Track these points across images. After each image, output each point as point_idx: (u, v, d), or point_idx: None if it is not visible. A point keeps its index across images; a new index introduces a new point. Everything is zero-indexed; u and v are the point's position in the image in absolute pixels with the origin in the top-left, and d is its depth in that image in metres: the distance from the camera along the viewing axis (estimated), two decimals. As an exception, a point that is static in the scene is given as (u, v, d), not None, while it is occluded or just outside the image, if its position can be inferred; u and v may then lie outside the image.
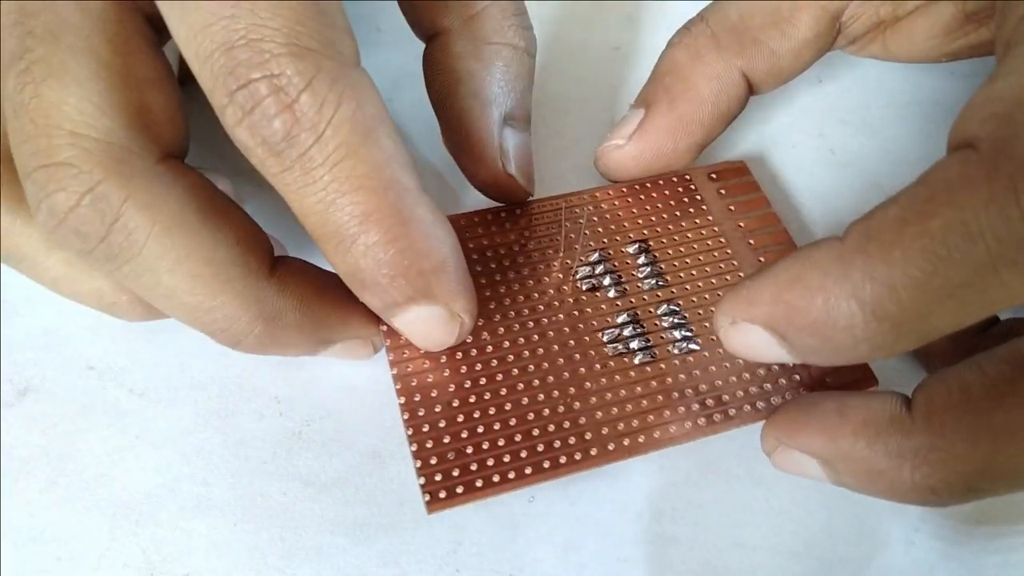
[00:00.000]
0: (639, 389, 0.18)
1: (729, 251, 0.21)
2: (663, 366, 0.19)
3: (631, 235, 0.21)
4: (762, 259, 0.21)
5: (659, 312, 0.19)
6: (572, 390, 0.18)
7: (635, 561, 0.17)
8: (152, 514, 0.17)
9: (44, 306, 0.19)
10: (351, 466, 0.18)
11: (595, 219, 0.21)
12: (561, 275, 0.20)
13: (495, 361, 0.18)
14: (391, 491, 0.18)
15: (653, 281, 0.20)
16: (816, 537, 0.18)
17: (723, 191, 0.22)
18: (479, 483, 0.17)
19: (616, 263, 0.20)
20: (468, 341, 0.18)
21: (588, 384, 0.18)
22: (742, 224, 0.21)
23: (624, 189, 0.22)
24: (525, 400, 0.18)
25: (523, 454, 0.17)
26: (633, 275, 0.20)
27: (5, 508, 0.17)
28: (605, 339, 0.19)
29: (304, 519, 0.17)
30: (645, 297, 0.20)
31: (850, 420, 0.15)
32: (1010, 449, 0.14)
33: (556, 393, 0.18)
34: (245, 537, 0.17)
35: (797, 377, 0.19)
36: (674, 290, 0.20)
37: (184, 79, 0.16)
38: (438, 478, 0.16)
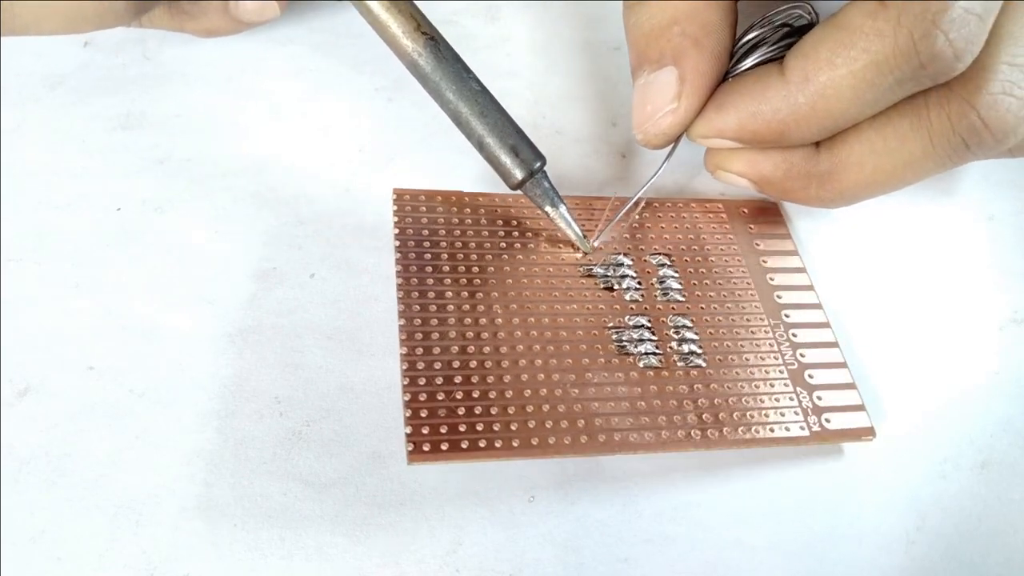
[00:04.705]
0: (639, 390, 0.18)
1: (750, 282, 0.21)
2: (666, 374, 0.19)
3: (656, 247, 0.21)
4: (779, 297, 0.21)
5: (671, 324, 0.20)
6: (573, 377, 0.18)
7: (635, 561, 0.17)
8: (152, 514, 0.17)
9: (44, 306, 0.19)
10: (351, 466, 0.18)
11: (622, 223, 0.21)
12: (580, 268, 0.20)
13: (502, 333, 0.19)
14: (391, 491, 0.18)
15: (670, 294, 0.20)
16: (816, 537, 0.18)
17: (752, 226, 0.22)
18: (464, 444, 0.17)
19: (637, 269, 0.20)
20: (480, 310, 0.19)
21: (589, 375, 0.18)
22: (766, 262, 0.22)
23: (658, 203, 0.22)
24: (525, 377, 0.18)
25: (514, 427, 0.17)
26: (651, 284, 0.20)
27: (5, 508, 0.17)
28: (613, 337, 0.19)
29: (304, 519, 0.17)
30: (660, 307, 0.20)
31: (770, 155, 0.20)
32: (878, 173, 0.19)
33: (557, 377, 0.18)
34: (245, 537, 0.17)
35: (798, 412, 0.19)
36: (689, 306, 0.20)
37: None
38: (425, 431, 0.17)
